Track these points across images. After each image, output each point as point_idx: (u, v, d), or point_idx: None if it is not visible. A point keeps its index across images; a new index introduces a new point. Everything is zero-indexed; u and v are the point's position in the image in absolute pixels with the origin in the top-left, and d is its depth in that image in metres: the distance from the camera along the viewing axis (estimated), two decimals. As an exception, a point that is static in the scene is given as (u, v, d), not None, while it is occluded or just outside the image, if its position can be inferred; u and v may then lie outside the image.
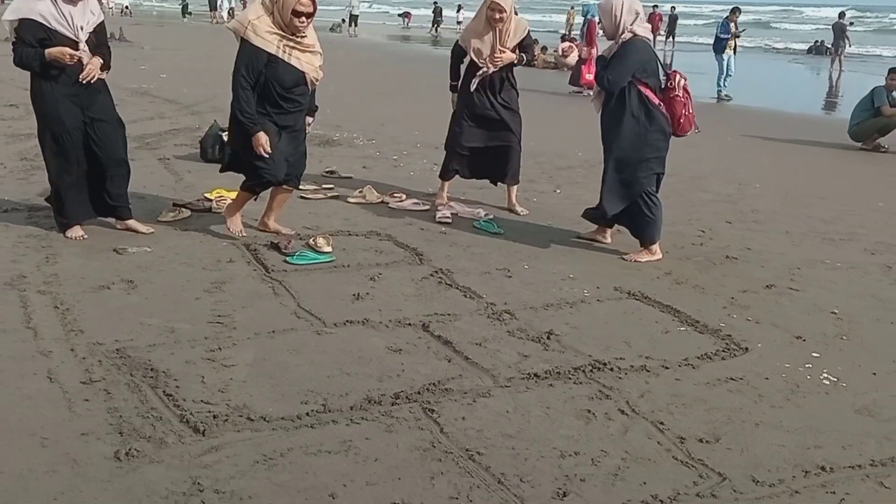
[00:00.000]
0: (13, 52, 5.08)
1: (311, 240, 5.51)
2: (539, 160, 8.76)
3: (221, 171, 5.71)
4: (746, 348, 4.23)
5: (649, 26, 5.54)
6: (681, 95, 5.42)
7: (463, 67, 6.46)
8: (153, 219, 5.86)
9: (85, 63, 5.11)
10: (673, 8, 34.49)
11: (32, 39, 5.01)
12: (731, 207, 7.22)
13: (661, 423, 3.42)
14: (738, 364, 4.05)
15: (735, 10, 17.10)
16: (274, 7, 5.09)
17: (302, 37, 5.20)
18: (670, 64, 25.21)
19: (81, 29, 5.11)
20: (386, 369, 3.78)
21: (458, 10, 41.39)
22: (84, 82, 5.13)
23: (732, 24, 16.89)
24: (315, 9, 5.14)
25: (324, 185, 7.17)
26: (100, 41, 5.30)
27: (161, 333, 4.05)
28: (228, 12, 36.23)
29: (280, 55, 5.15)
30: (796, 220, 6.90)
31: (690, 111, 5.44)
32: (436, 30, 38.19)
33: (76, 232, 5.46)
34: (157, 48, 22.78)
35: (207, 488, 2.82)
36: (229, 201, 6.30)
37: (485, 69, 6.21)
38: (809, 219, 6.97)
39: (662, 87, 5.42)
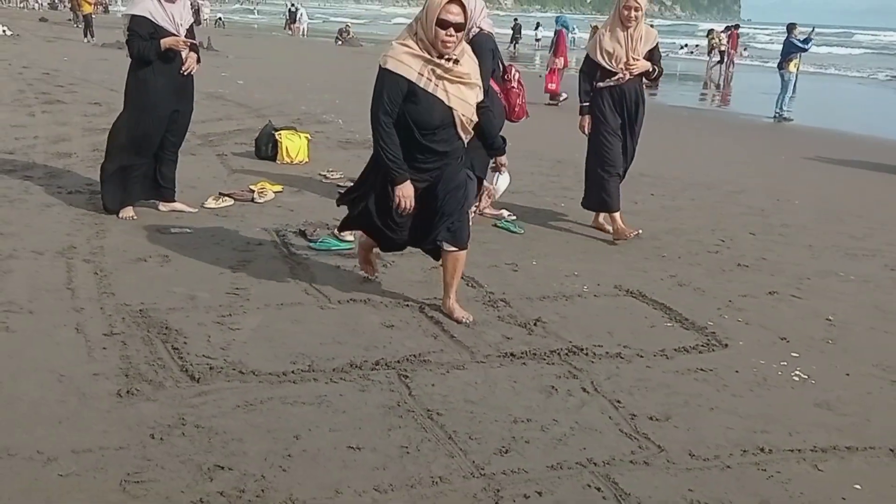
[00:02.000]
0: (128, 46, 5.70)
1: (336, 229, 5.87)
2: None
3: (340, 229, 5.08)
4: (726, 345, 4.41)
5: (491, 22, 5.81)
6: (516, 87, 6.00)
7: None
8: (199, 204, 6.33)
9: (184, 57, 5.73)
10: (737, 26, 33.99)
11: (144, 33, 5.63)
12: (761, 220, 7.32)
13: (619, 402, 3.65)
14: (712, 357, 4.24)
15: (793, 26, 16.93)
16: (418, 25, 4.12)
17: (453, 61, 4.14)
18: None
19: (181, 26, 5.73)
20: (375, 341, 4.11)
21: (536, 28, 41.64)
22: (185, 74, 5.77)
23: (795, 38, 16.66)
24: (466, 19, 4.13)
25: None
26: (192, 38, 5.89)
27: (182, 300, 4.47)
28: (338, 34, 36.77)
29: (421, 84, 4.10)
30: (824, 235, 6.97)
31: (523, 101, 6.05)
32: (514, 46, 38.50)
33: (129, 212, 5.97)
34: (241, 57, 23.73)
35: (189, 423, 3.19)
36: (271, 194, 6.79)
37: (620, 75, 5.97)
38: (839, 234, 7.03)
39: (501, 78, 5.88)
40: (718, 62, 28.72)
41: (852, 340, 4.63)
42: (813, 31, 17.74)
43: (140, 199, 6.09)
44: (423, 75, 4.09)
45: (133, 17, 5.69)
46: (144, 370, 3.61)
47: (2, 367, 3.54)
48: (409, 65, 4.08)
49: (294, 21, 41.56)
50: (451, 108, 4.15)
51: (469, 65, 4.24)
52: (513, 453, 3.17)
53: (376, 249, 4.80)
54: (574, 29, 45.95)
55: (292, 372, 3.70)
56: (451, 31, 4.03)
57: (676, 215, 7.25)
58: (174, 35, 5.70)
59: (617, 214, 6.25)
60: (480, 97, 4.31)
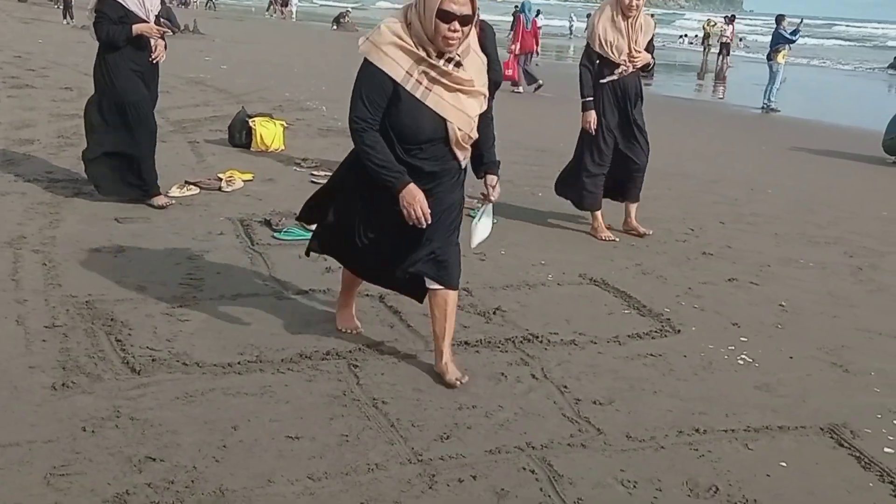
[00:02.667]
0: (96, 29, 5.65)
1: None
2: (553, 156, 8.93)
3: (308, 252, 4.04)
4: (679, 330, 4.41)
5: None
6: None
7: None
8: (163, 193, 6.25)
9: (153, 45, 5.71)
10: (708, 20, 34.07)
11: (114, 16, 5.57)
12: (732, 210, 7.31)
13: (565, 387, 3.64)
14: (663, 343, 4.24)
15: (781, 17, 17.01)
16: (413, 13, 3.26)
17: (453, 63, 3.29)
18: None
19: (150, 12, 5.71)
20: (329, 331, 4.07)
21: (536, 15, 41.44)
22: (153, 61, 5.74)
23: (783, 29, 16.72)
24: (474, 11, 3.23)
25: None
26: (160, 25, 5.87)
27: (132, 291, 4.42)
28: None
29: (408, 87, 3.26)
30: (791, 224, 6.97)
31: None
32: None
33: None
34: (229, 41, 23.55)
35: (124, 415, 3.15)
36: (240, 182, 6.72)
37: (623, 67, 5.73)
38: (806, 223, 7.03)
39: None
40: (719, 53, 28.60)
41: (800, 325, 4.66)
42: (801, 22, 17.84)
43: (124, 196, 6.04)
44: (411, 76, 3.24)
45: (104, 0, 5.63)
46: (84, 363, 3.56)
47: (-63, 360, 3.48)
48: (396, 60, 3.22)
49: (286, 5, 41.32)
50: (444, 120, 3.30)
51: (474, 67, 3.36)
52: (453, 439, 3.15)
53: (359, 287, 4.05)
54: (572, 19, 45.81)
55: (238, 363, 3.66)
56: (456, 24, 3.15)
57: (650, 205, 7.16)
58: (144, 20, 5.65)
59: (600, 212, 6.13)
60: (484, 107, 3.44)
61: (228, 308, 4.27)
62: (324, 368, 3.66)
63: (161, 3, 6.03)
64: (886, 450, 3.33)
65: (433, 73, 3.27)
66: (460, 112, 3.33)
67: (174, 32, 23.19)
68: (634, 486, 2.94)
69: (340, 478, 2.85)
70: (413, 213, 3.31)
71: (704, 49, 32.60)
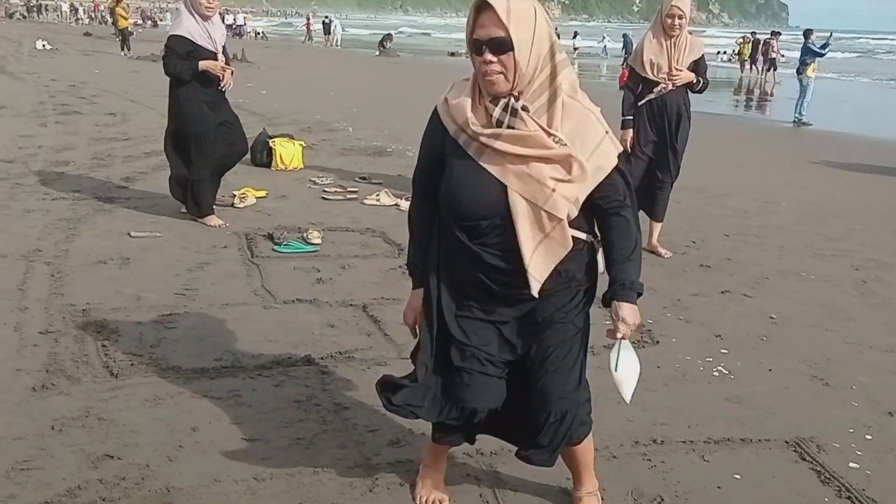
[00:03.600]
0: (164, 63, 5.96)
1: (305, 232, 5.99)
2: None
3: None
4: (658, 342, 4.42)
5: None
6: None
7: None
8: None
9: (221, 74, 5.97)
10: (753, 33, 33.68)
11: (182, 52, 5.85)
12: (740, 222, 7.27)
13: (528, 396, 3.68)
14: (640, 354, 4.22)
15: (809, 32, 16.90)
16: None
17: (509, 110, 2.30)
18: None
19: (218, 43, 6.00)
20: (307, 339, 4.20)
21: (574, 37, 41.54)
22: (221, 89, 6.02)
23: (812, 43, 16.58)
24: (515, 34, 2.24)
25: (349, 189, 7.67)
26: (226, 55, 6.16)
27: (128, 300, 4.61)
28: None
29: (460, 141, 2.38)
30: (799, 236, 6.91)
31: None
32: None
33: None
34: (273, 68, 24.09)
35: (92, 416, 3.31)
36: (252, 199, 6.93)
37: (662, 85, 5.73)
38: (815, 235, 6.96)
39: None
40: (767, 69, 28.29)
41: (788, 337, 4.62)
42: (831, 36, 17.65)
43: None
44: (464, 131, 2.36)
45: (172, 36, 5.96)
46: (67, 366, 3.74)
47: (-70, 362, 3.69)
48: (458, 108, 2.36)
49: (328, 32, 42.24)
50: (502, 189, 2.34)
51: (568, 124, 2.33)
52: (405, 445, 3.23)
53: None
54: (605, 39, 45.82)
55: (212, 368, 3.80)
56: (488, 55, 2.25)
57: (660, 218, 7.20)
58: (212, 53, 5.94)
59: None
60: (575, 175, 2.33)
61: (215, 316, 4.43)
62: (293, 374, 3.78)
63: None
64: (851, 465, 3.28)
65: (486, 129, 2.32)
66: (527, 177, 2.32)
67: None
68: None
69: (285, 479, 2.96)
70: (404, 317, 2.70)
71: (741, 65, 32.40)
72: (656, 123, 5.81)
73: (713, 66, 38.27)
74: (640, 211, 5.90)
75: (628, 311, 2.57)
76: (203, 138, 6.06)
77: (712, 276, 5.68)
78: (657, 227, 6.12)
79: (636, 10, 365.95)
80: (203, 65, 5.88)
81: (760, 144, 13.51)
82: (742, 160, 11.54)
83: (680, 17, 5.60)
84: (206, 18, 5.93)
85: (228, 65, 6.11)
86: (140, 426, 3.26)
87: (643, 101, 5.78)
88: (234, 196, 6.94)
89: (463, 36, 2.39)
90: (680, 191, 8.19)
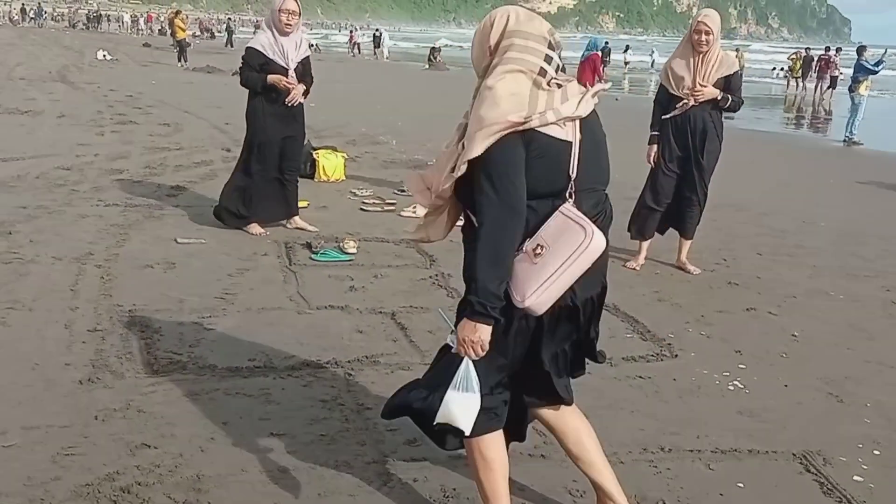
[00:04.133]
0: (240, 74, 6.36)
1: (342, 242, 6.21)
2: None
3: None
4: (676, 355, 4.54)
5: None
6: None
7: None
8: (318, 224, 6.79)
9: (291, 89, 6.21)
10: (807, 49, 33.43)
11: (255, 64, 6.20)
12: (775, 241, 7.32)
13: (544, 403, 3.83)
14: (656, 366, 4.38)
15: (863, 48, 16.73)
16: None
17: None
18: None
19: (292, 60, 6.27)
20: (336, 343, 4.41)
21: (625, 51, 41.46)
22: (289, 104, 6.27)
23: (865, 60, 16.43)
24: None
25: (387, 201, 7.89)
26: (305, 71, 6.47)
27: (171, 302, 4.87)
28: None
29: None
30: (834, 256, 6.94)
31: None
32: (602, 70, 38.49)
33: (257, 229, 6.49)
34: (324, 81, 24.28)
35: (133, 408, 3.55)
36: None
37: (685, 101, 5.78)
38: (851, 256, 6.98)
39: None
40: (830, 87, 28.02)
41: (808, 355, 4.69)
42: (885, 53, 17.41)
43: (268, 219, 6.59)
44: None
45: (247, 48, 6.33)
46: (112, 362, 3.99)
47: (-13, 355, 3.97)
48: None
49: (377, 45, 42.92)
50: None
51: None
52: (421, 444, 3.40)
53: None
54: (653, 53, 45.55)
55: (245, 368, 4.02)
56: None
57: (691, 235, 7.29)
58: (283, 68, 6.24)
59: (646, 243, 6.27)
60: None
61: (251, 319, 4.67)
62: (321, 376, 3.99)
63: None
64: (856, 478, 3.37)
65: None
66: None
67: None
68: (581, 496, 3.13)
69: (307, 471, 3.16)
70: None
71: (794, 82, 32.16)
72: (680, 139, 5.87)
73: (766, 82, 38.15)
74: (671, 228, 6.07)
75: (461, 325, 2.44)
76: (262, 149, 6.37)
77: (739, 293, 5.76)
78: (686, 244, 6.22)
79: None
80: (270, 78, 6.17)
81: (807, 163, 13.47)
82: (786, 179, 11.53)
83: (707, 33, 5.65)
84: (284, 34, 6.22)
85: (301, 82, 6.37)
86: (176, 419, 3.48)
87: (667, 117, 5.87)
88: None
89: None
90: (718, 208, 8.28)
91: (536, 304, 2.44)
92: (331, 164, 8.92)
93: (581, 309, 2.56)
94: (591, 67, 16.16)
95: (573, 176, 2.46)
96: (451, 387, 2.46)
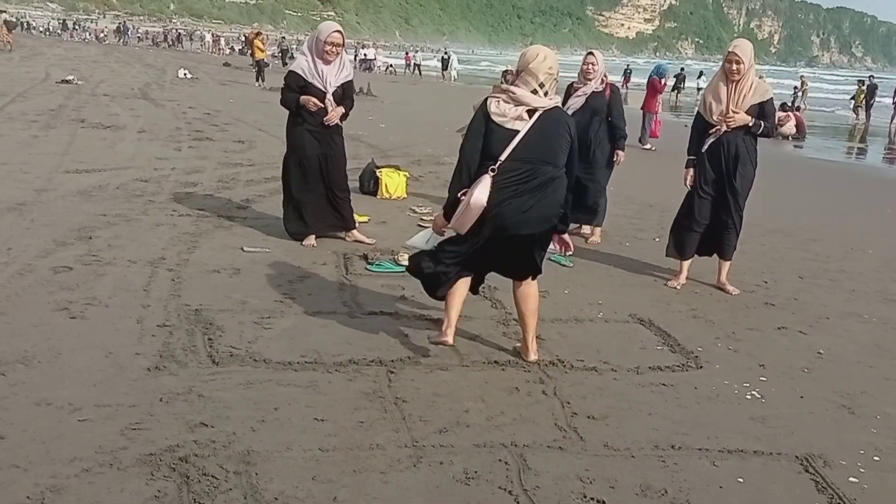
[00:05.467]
0: (281, 94, 6.84)
1: (396, 255, 6.60)
2: (658, 210, 9.29)
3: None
4: (702, 367, 4.79)
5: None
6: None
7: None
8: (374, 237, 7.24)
9: (328, 110, 6.70)
10: (871, 77, 32.96)
11: (295, 86, 6.69)
12: (819, 266, 7.47)
13: (568, 403, 4.15)
14: (681, 376, 4.64)
15: None
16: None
17: None
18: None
19: (330, 84, 6.72)
20: (382, 344, 4.78)
21: (699, 77, 41.29)
22: (325, 124, 6.73)
23: None
24: None
25: (443, 217, 8.26)
26: (346, 94, 6.92)
27: (235, 304, 5.30)
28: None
29: None
30: (874, 282, 7.06)
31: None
32: (676, 96, 38.48)
33: (310, 241, 6.94)
34: (396, 102, 25.14)
35: (194, 393, 3.97)
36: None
37: (718, 127, 6.05)
38: (891, 282, 7.09)
39: None
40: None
41: (829, 371, 4.89)
42: None
43: (321, 231, 7.03)
44: None
45: (289, 71, 6.81)
46: (178, 354, 4.42)
47: (68, 344, 4.44)
48: None
49: (445, 68, 43.66)
50: None
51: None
52: (450, 433, 3.75)
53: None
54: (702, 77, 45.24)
55: (297, 362, 4.42)
56: None
57: (735, 258, 7.43)
58: (321, 91, 6.69)
59: (686, 263, 6.53)
60: None
61: (307, 321, 5.07)
62: (365, 372, 4.36)
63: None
64: (851, 479, 3.60)
65: None
66: None
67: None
68: (591, 482, 3.42)
69: (345, 451, 3.52)
70: None
71: (856, 111, 31.84)
72: (714, 164, 6.13)
73: (823, 111, 37.61)
74: (699, 254, 6.29)
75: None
76: (303, 164, 6.82)
77: (773, 313, 5.96)
78: (725, 265, 6.43)
79: (773, 51, 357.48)
80: (301, 100, 6.64)
81: (864, 192, 13.46)
82: (840, 207, 11.58)
83: (738, 63, 5.91)
84: (325, 62, 6.66)
85: (340, 104, 6.79)
86: (232, 403, 3.89)
87: (705, 148, 6.16)
88: (339, 219, 7.62)
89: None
90: (767, 234, 8.49)
91: (455, 227, 4.42)
92: (393, 182, 9.34)
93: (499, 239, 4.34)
94: (651, 91, 16.44)
95: (506, 152, 4.22)
96: (422, 234, 4.78)
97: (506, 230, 4.29)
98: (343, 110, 6.83)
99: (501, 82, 23.92)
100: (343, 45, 6.79)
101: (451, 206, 4.39)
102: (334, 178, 6.98)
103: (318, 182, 6.90)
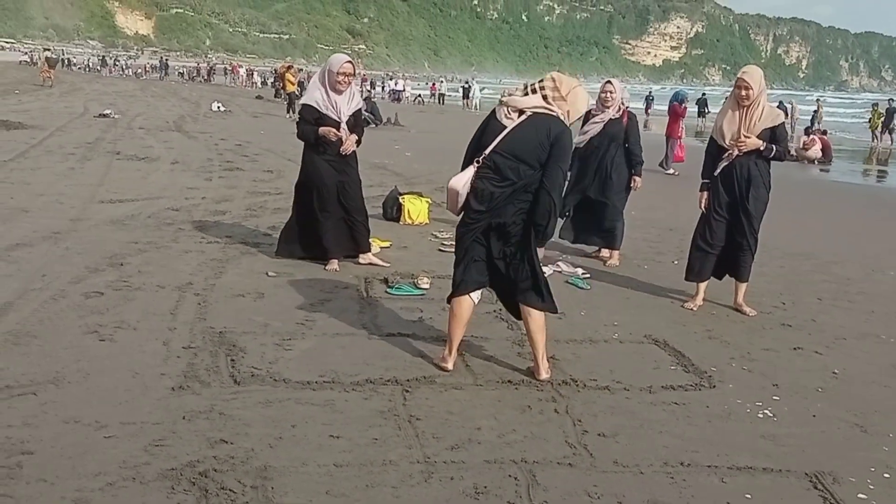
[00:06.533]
0: (297, 128, 7.08)
1: (416, 279, 6.73)
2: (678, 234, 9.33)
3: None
4: (714, 386, 4.84)
5: None
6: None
7: None
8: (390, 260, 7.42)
9: (344, 139, 6.92)
10: (891, 100, 32.75)
11: (310, 118, 6.90)
12: (838, 288, 7.48)
13: (580, 421, 4.23)
14: (693, 395, 4.70)
15: None
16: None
17: None
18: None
19: (343, 114, 6.95)
20: (399, 364, 4.89)
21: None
22: (342, 153, 6.96)
23: None
24: None
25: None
26: (357, 122, 7.14)
27: (258, 326, 5.45)
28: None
29: None
30: (894, 303, 7.05)
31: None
32: (702, 120, 38.48)
33: (333, 265, 7.12)
34: (423, 131, 25.44)
35: (215, 411, 4.10)
36: (377, 248, 7.76)
37: (730, 152, 6.14)
38: (913, 304, 7.10)
39: None
40: None
41: (843, 391, 4.91)
42: None
43: (338, 255, 7.21)
44: None
45: (303, 105, 7.02)
46: (201, 374, 4.57)
47: (96, 365, 4.61)
48: None
49: (466, 96, 44.24)
50: None
51: None
52: (461, 449, 3.84)
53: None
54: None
55: (315, 382, 4.55)
56: None
57: (754, 280, 7.45)
58: (336, 121, 6.91)
59: (703, 285, 6.60)
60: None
61: (326, 342, 5.20)
62: (381, 391, 4.47)
63: (364, 101, 7.36)
64: (860, 496, 3.64)
65: None
66: None
67: (377, 125, 25.51)
68: (599, 498, 3.49)
69: (358, 467, 3.63)
70: None
71: (875, 134, 31.78)
72: (727, 186, 6.22)
73: (860, 137, 37.39)
74: (716, 277, 6.37)
75: None
76: (320, 192, 7.01)
77: (790, 334, 5.99)
78: (742, 286, 6.48)
79: (801, 76, 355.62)
80: (321, 131, 6.84)
81: (889, 215, 13.39)
82: (864, 230, 11.55)
83: (747, 88, 6.01)
84: (337, 92, 6.85)
85: (353, 133, 6.99)
86: (251, 421, 4.02)
87: (717, 172, 6.26)
88: (361, 245, 7.78)
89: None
90: (787, 256, 8.52)
91: (449, 208, 5.01)
92: (416, 208, 9.51)
93: (484, 227, 4.73)
94: (673, 117, 16.58)
95: (491, 146, 4.63)
96: None
97: (486, 216, 4.67)
98: (356, 137, 7.02)
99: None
100: (354, 74, 6.99)
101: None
102: (352, 203, 7.17)
103: (336, 208, 7.08)
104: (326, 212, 7.07)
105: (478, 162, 4.67)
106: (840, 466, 3.90)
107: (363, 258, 7.31)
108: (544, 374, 4.78)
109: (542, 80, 4.70)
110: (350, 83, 6.97)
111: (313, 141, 6.93)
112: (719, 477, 3.73)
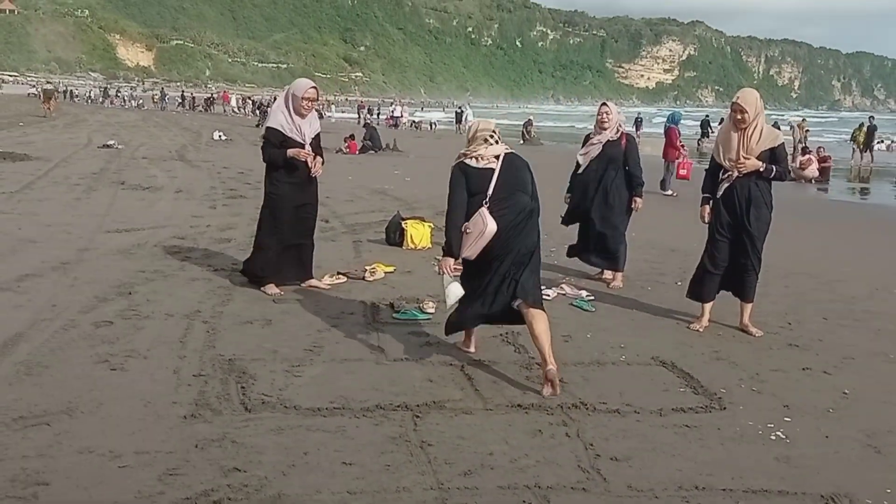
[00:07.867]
0: (262, 151, 7.09)
1: (422, 303, 6.75)
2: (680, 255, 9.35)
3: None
4: (725, 408, 4.84)
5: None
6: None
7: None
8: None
9: (310, 162, 6.95)
10: (871, 118, 33.00)
11: (276, 141, 6.93)
12: (843, 307, 7.48)
13: (591, 445, 4.23)
14: (704, 417, 4.70)
15: None
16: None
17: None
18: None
19: (307, 136, 7.01)
20: (408, 389, 4.90)
21: (720, 123, 41.48)
22: (312, 175, 7.01)
23: None
24: None
25: (470, 267, 8.41)
26: (317, 145, 7.16)
27: (267, 353, 5.47)
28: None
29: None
30: (902, 322, 7.07)
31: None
32: (699, 142, 38.67)
33: (273, 289, 7.11)
34: (421, 156, 25.52)
35: (228, 439, 4.11)
36: (381, 273, 7.79)
37: (730, 173, 6.21)
38: (920, 322, 7.10)
39: None
40: None
41: (855, 411, 4.91)
42: None
43: (283, 282, 7.23)
44: None
45: (268, 128, 6.99)
46: (212, 402, 4.58)
47: (109, 394, 4.62)
48: None
49: (459, 121, 44.70)
50: None
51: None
52: (474, 475, 3.85)
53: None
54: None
55: (326, 408, 4.55)
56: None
57: (758, 300, 7.48)
58: (300, 144, 6.94)
59: (708, 306, 6.62)
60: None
61: (335, 368, 5.21)
62: (392, 416, 4.48)
63: (365, 128, 7.40)
64: (875, 516, 3.66)
65: None
66: None
67: (376, 150, 25.62)
68: (612, 521, 3.50)
69: (372, 494, 3.63)
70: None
71: (858, 151, 31.99)
72: (729, 207, 6.28)
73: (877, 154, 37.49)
74: (729, 292, 6.39)
75: (441, 258, 5.37)
76: (276, 215, 7.04)
77: (797, 354, 6.00)
78: (747, 307, 6.50)
79: (794, 96, 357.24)
80: (289, 152, 6.87)
81: (891, 232, 13.42)
82: (867, 248, 11.58)
83: (742, 112, 6.09)
84: (301, 116, 6.93)
85: (319, 154, 7.05)
86: (263, 448, 4.02)
87: (720, 194, 6.31)
88: (366, 270, 7.83)
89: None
90: (791, 276, 8.53)
91: (467, 255, 5.16)
92: (418, 233, 9.54)
93: (504, 258, 5.11)
94: (669, 140, 16.65)
95: (491, 187, 5.13)
96: (452, 288, 5.29)
97: (510, 248, 5.09)
98: (321, 160, 7.10)
99: (523, 132, 25.65)
100: (317, 99, 7.07)
101: (450, 246, 5.20)
102: (308, 226, 7.23)
103: (289, 233, 7.09)
104: (281, 238, 7.09)
105: (486, 203, 5.11)
106: (855, 487, 3.89)
107: (307, 284, 7.31)
108: (551, 366, 4.91)
109: (493, 132, 5.33)
110: (312, 108, 7.01)
111: (281, 163, 6.93)
112: (735, 500, 3.73)
